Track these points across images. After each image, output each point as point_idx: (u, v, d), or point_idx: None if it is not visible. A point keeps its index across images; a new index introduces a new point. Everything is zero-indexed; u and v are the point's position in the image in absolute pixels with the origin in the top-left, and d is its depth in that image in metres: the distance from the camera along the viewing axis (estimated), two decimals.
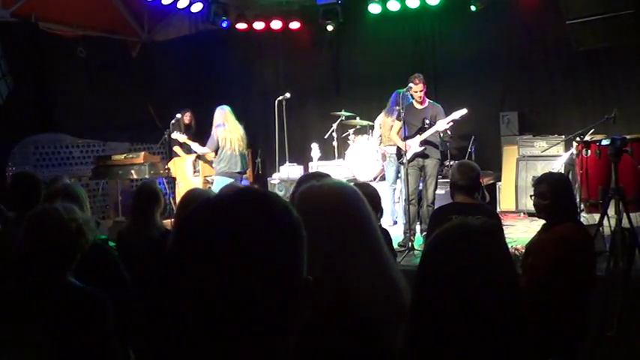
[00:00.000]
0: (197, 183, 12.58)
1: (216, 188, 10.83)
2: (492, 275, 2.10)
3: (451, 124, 10.34)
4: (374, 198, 5.45)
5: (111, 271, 4.63)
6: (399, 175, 11.57)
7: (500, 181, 13.01)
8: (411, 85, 10.23)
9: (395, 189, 12.12)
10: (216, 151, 11.17)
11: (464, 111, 10.28)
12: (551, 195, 5.16)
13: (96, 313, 3.48)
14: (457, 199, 6.38)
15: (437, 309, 2.09)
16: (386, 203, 12.29)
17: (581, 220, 9.14)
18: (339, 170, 13.48)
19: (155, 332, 5.11)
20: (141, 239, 5.75)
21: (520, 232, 10.68)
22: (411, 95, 10.48)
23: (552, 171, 7.95)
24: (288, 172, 13.36)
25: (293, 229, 1.51)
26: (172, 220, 6.22)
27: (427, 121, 10.31)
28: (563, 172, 10.90)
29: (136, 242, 5.77)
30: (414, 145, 10.22)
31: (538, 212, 5.37)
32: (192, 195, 5.15)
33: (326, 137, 13.94)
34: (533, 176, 5.59)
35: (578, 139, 9.98)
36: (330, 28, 15.14)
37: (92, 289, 3.58)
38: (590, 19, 11.31)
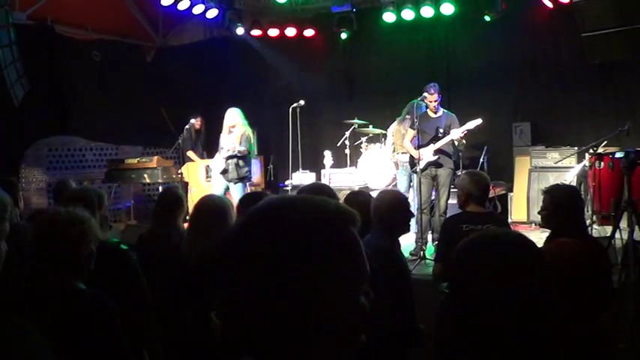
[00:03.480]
0: (210, 188, 12.60)
1: (239, 195, 10.87)
2: (530, 284, 2.14)
3: (465, 132, 10.34)
4: (367, 205, 5.45)
5: (128, 276, 4.64)
6: (412, 184, 11.58)
7: (512, 191, 12.99)
8: (425, 94, 10.26)
9: (407, 198, 12.08)
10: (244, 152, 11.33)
11: (479, 121, 10.29)
12: (552, 206, 5.15)
13: (97, 316, 3.45)
14: (469, 209, 6.37)
15: (473, 317, 2.12)
16: None
17: (593, 232, 9.18)
18: (352, 178, 13.51)
19: (176, 336, 5.13)
20: (162, 243, 5.77)
21: None
22: (426, 104, 10.50)
23: (561, 183, 7.92)
24: (301, 179, 13.38)
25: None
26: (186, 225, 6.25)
27: (441, 130, 10.33)
28: (575, 183, 10.89)
29: (157, 246, 5.79)
30: (427, 154, 10.23)
31: (541, 222, 5.39)
32: (207, 202, 5.18)
33: (339, 145, 13.96)
34: (543, 188, 5.57)
35: (591, 150, 9.97)
36: (344, 36, 15.22)
37: (94, 293, 3.57)
38: (606, 32, 11.32)
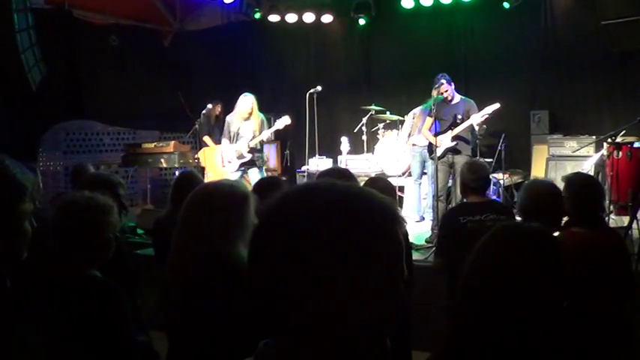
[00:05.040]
0: (226, 174, 12.58)
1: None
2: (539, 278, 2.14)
3: (486, 116, 10.30)
4: (386, 192, 5.42)
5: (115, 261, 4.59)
6: (425, 170, 11.58)
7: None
8: (442, 81, 10.25)
9: (420, 184, 12.05)
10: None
11: (496, 105, 10.24)
12: (566, 194, 5.12)
13: (109, 304, 3.43)
14: (468, 199, 6.39)
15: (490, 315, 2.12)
16: (412, 199, 12.28)
17: (610, 222, 9.12)
18: (368, 164, 13.50)
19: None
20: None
21: None
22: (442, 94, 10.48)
23: (580, 171, 7.85)
24: (318, 164, 13.36)
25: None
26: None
27: (459, 117, 10.30)
28: (592, 173, 10.83)
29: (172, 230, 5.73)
30: (445, 141, 10.21)
31: None
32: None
33: (356, 131, 13.94)
34: (562, 176, 5.50)
35: (609, 140, 9.91)
36: (362, 22, 15.20)
37: (106, 280, 3.55)
38: (626, 20, 11.23)
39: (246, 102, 11.31)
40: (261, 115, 11.39)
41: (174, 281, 3.46)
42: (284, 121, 11.40)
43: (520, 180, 12.84)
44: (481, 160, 6.76)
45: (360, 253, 1.44)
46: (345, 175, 4.95)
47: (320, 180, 1.61)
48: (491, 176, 7.64)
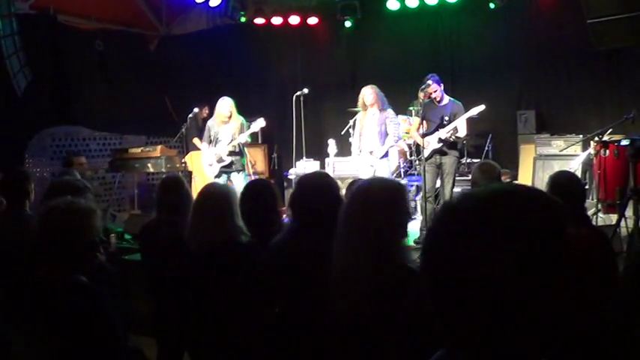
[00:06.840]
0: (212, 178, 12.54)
1: (243, 183, 10.86)
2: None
3: (450, 132, 10.27)
4: None
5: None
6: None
7: (516, 179, 12.93)
8: (429, 82, 10.24)
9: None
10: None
11: (481, 107, 10.24)
12: (550, 192, 5.09)
13: (92, 308, 3.45)
14: None
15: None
16: None
17: (598, 220, 9.14)
18: (355, 167, 13.46)
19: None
20: (165, 233, 5.68)
21: None
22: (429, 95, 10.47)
23: (565, 169, 7.82)
24: (305, 167, 13.31)
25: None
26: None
27: (446, 118, 10.27)
28: (580, 171, 10.83)
29: (160, 236, 5.70)
30: (432, 142, 10.20)
31: None
32: (211, 189, 5.13)
33: (343, 133, 13.90)
34: (550, 175, 5.48)
35: (596, 138, 9.91)
36: (348, 24, 15.19)
37: (90, 284, 3.55)
38: (612, 19, 11.25)
39: (225, 105, 11.30)
40: (241, 118, 11.36)
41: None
42: (259, 124, 11.39)
43: (508, 180, 12.84)
44: (493, 162, 6.71)
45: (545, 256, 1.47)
46: (324, 178, 4.86)
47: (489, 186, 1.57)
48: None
